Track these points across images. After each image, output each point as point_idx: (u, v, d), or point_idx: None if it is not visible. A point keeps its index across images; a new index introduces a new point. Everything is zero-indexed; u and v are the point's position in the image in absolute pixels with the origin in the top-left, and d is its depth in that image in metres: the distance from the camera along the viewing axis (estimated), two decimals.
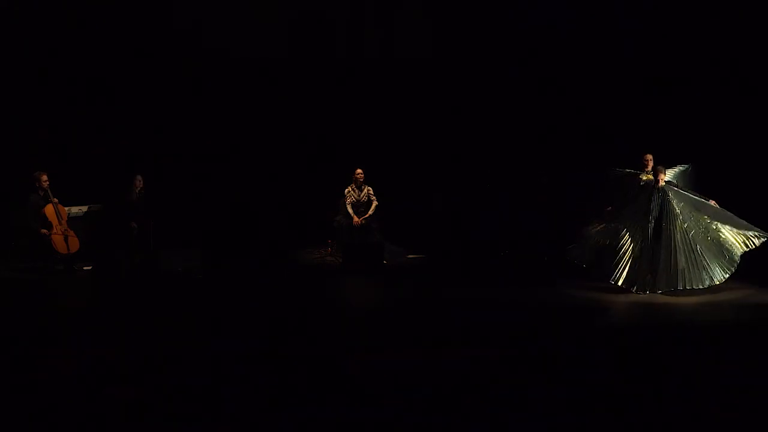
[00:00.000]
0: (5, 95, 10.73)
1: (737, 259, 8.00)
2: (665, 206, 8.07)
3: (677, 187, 8.33)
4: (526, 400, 4.71)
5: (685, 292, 7.88)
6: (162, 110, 11.06)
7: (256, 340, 6.19)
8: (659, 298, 7.84)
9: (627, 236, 8.16)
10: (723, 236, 8.09)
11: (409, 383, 5.03)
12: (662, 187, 8.17)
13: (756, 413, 4.54)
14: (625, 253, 8.11)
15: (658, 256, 7.95)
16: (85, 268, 9.54)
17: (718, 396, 4.80)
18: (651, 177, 8.34)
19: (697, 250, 7.97)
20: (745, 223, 8.21)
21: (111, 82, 10.96)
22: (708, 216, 8.17)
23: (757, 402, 4.70)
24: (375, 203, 10.37)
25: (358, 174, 10.37)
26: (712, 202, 8.30)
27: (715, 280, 7.95)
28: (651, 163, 8.56)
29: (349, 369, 5.42)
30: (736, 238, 8.10)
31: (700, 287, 7.91)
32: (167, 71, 11.05)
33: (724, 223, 8.15)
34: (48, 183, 9.41)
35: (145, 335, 6.45)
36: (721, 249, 8.05)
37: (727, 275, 7.97)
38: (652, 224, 8.06)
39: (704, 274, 7.95)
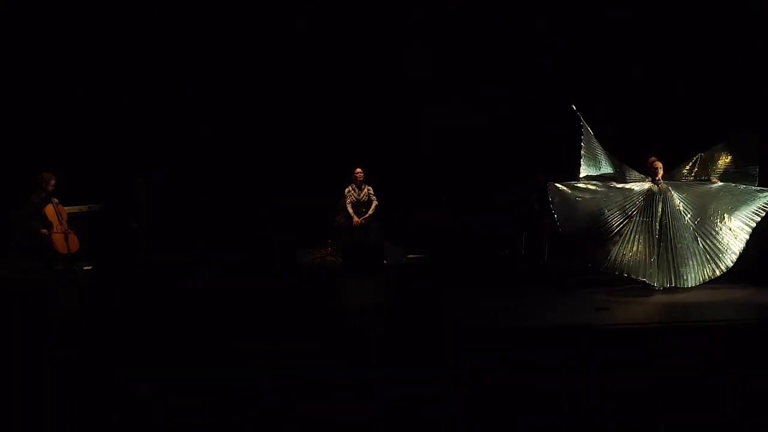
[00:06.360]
0: (5, 95, 10.74)
1: (734, 256, 7.97)
2: (664, 202, 8.05)
3: (679, 180, 8.30)
4: (527, 401, 4.71)
5: (685, 292, 7.89)
6: (161, 110, 11.08)
7: (256, 341, 6.18)
8: (658, 297, 7.84)
9: (617, 223, 8.09)
10: (723, 231, 8.02)
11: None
12: (661, 182, 8.15)
13: (756, 413, 4.54)
14: (618, 242, 8.05)
15: (656, 252, 7.96)
16: (85, 268, 9.55)
17: (718, 396, 4.80)
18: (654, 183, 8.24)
19: (695, 248, 7.98)
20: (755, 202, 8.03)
21: (110, 82, 10.98)
22: (711, 209, 8.03)
23: (757, 402, 4.70)
24: (375, 203, 10.37)
25: (358, 173, 10.37)
26: (714, 182, 8.17)
27: (706, 276, 7.96)
28: (654, 168, 8.47)
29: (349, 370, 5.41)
30: (737, 234, 8.02)
31: (698, 284, 7.94)
32: (167, 71, 11.07)
33: (729, 214, 8.01)
34: (54, 186, 9.44)
35: (145, 335, 6.44)
36: (720, 245, 7.99)
37: (725, 268, 7.95)
38: (651, 220, 8.05)
39: (702, 270, 7.96)
